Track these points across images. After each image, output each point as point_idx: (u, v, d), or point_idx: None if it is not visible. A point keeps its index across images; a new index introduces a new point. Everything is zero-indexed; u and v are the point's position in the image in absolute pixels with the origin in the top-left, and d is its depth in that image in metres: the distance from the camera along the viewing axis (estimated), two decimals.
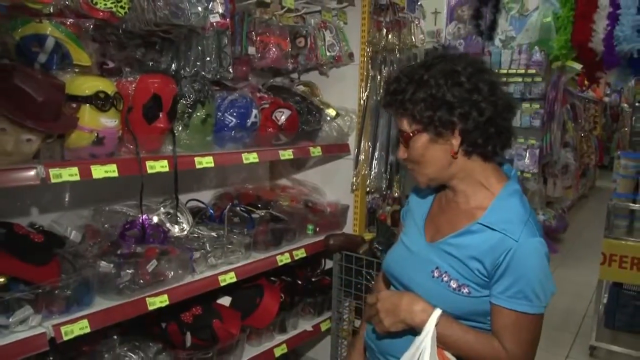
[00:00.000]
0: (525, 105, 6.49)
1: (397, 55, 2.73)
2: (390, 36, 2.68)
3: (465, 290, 1.39)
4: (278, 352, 2.44)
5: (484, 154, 1.40)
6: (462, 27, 6.51)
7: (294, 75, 2.93)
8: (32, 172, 1.51)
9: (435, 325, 1.35)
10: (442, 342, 1.37)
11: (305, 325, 2.66)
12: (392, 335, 1.46)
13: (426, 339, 1.34)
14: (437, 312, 1.36)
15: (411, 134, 1.41)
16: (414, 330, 1.39)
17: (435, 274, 1.42)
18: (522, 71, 6.35)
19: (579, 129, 9.22)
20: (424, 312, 1.37)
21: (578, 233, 7.86)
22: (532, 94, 6.39)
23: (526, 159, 6.43)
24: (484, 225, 1.38)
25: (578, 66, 6.42)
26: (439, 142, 1.38)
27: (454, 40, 6.92)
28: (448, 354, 1.40)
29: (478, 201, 1.43)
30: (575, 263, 6.45)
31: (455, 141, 1.37)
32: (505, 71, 6.50)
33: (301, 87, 2.79)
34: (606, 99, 12.01)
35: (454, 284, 1.39)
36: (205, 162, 2.01)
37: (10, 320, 1.49)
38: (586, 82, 8.36)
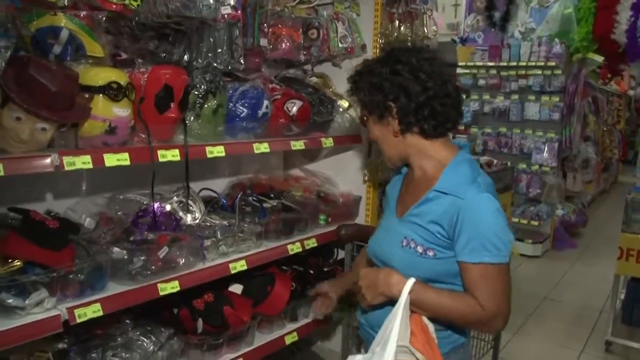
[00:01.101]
0: (545, 98, 6.42)
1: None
2: (402, 28, 2.69)
3: (431, 254, 1.55)
4: (289, 340, 2.47)
5: (422, 132, 1.59)
6: (480, 19, 6.45)
7: (307, 67, 2.95)
8: (48, 160, 1.55)
9: (409, 293, 1.48)
10: (420, 307, 1.51)
11: (317, 314, 2.68)
12: (375, 308, 1.63)
13: (399, 307, 1.46)
14: (411, 281, 1.49)
15: (364, 118, 1.69)
16: (393, 302, 1.52)
17: (404, 243, 1.59)
18: (542, 63, 6.28)
19: (601, 123, 9.09)
20: (399, 283, 1.51)
21: (598, 228, 7.77)
22: (552, 87, 6.31)
23: (545, 153, 6.37)
24: (438, 192, 1.56)
25: (599, 58, 6.35)
26: (383, 124, 1.62)
27: (473, 33, 6.88)
28: (425, 320, 1.53)
29: (432, 172, 1.61)
30: (593, 258, 6.39)
31: (394, 122, 1.59)
32: (524, 64, 6.44)
33: (314, 79, 2.81)
34: (631, 92, 11.77)
35: (420, 249, 1.56)
36: (217, 151, 2.04)
37: (27, 302, 1.54)
38: (609, 75, 8.25)
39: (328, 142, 2.60)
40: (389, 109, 1.58)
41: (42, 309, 1.58)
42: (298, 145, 2.43)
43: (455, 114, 1.62)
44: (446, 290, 1.55)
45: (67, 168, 1.57)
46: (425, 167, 1.63)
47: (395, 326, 1.43)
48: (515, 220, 6.47)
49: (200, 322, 2.13)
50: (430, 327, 1.54)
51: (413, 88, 1.54)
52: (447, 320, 1.57)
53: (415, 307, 1.51)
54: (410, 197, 1.66)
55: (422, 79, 1.54)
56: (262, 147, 2.24)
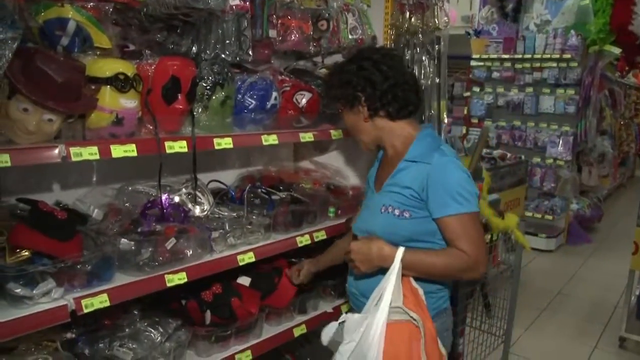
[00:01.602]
0: (560, 91, 6.35)
1: (420, 38, 2.71)
2: (413, 19, 2.66)
3: (407, 215, 1.81)
4: (297, 332, 2.47)
5: (388, 115, 1.90)
6: (495, 11, 6.39)
7: (318, 59, 2.93)
8: (55, 151, 1.56)
9: (401, 261, 1.70)
10: (412, 269, 1.75)
11: (326, 306, 2.68)
12: (367, 276, 1.87)
13: (392, 274, 1.68)
14: (401, 250, 1.73)
15: (340, 111, 2.00)
16: (383, 270, 1.76)
17: (382, 210, 1.86)
18: (557, 56, 6.21)
19: (618, 116, 8.97)
20: (392, 253, 1.74)
21: (613, 223, 7.69)
22: (567, 80, 6.24)
23: (559, 146, 6.30)
24: (408, 161, 1.85)
25: (616, 50, 6.25)
26: (354, 112, 1.93)
27: (487, 25, 6.80)
28: (414, 284, 1.76)
29: (401, 148, 1.91)
30: (608, 253, 6.32)
31: (363, 109, 1.90)
32: (539, 56, 6.36)
33: (324, 71, 2.79)
34: None
35: (397, 212, 1.82)
36: (224, 143, 2.04)
37: (34, 292, 1.55)
38: (626, 68, 8.12)
39: (337, 133, 2.59)
40: (358, 99, 1.89)
41: (50, 298, 1.59)
42: (307, 137, 2.42)
43: (415, 97, 1.94)
44: (431, 250, 1.81)
45: (74, 159, 1.57)
46: (396, 144, 1.94)
47: (389, 289, 1.65)
48: (529, 214, 6.42)
49: (208, 314, 2.14)
50: (420, 290, 1.76)
51: (376, 78, 1.86)
52: (439, 276, 1.83)
53: (407, 270, 1.74)
54: (385, 173, 1.95)
55: (383, 70, 1.86)
56: (271, 139, 2.23)
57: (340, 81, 1.92)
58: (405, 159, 1.86)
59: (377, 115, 1.91)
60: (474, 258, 1.74)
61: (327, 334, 1.81)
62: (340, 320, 1.77)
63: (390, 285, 1.65)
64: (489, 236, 2.85)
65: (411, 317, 1.65)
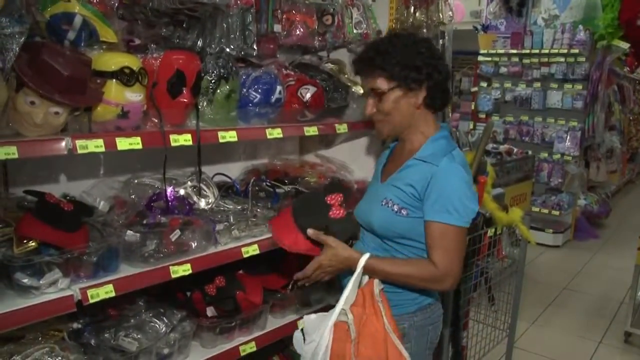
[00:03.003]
0: (568, 86, 6.33)
1: (425, 32, 2.72)
2: (417, 13, 2.66)
3: (404, 212, 1.80)
4: (301, 325, 2.48)
5: (433, 107, 1.89)
6: (500, 5, 6.36)
7: (323, 54, 2.95)
8: (61, 144, 1.58)
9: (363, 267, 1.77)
10: (377, 275, 1.79)
11: (331, 299, 2.69)
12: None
13: (352, 279, 1.77)
14: (364, 257, 1.78)
15: (386, 90, 1.84)
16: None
17: (383, 203, 1.85)
18: (565, 51, 6.18)
19: (627, 112, 8.92)
20: (356, 261, 1.78)
21: (621, 219, 7.66)
22: (575, 75, 6.21)
23: (567, 142, 6.28)
24: (417, 160, 1.83)
25: (625, 45, 6.22)
26: (408, 96, 1.84)
27: (495, 20, 6.78)
28: (375, 282, 1.77)
29: (417, 144, 1.89)
30: (615, 249, 6.31)
31: (422, 95, 1.83)
32: (547, 51, 6.34)
33: (329, 65, 2.80)
34: None
35: (395, 208, 1.82)
36: (229, 136, 2.05)
37: (41, 282, 1.58)
38: (635, 63, 8.07)
39: (342, 127, 2.60)
40: (422, 83, 1.82)
41: (56, 289, 1.62)
42: (312, 130, 2.43)
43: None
44: (399, 259, 1.84)
45: (80, 151, 1.60)
46: (413, 140, 1.91)
47: (345, 293, 1.73)
48: (536, 209, 6.41)
49: (212, 307, 2.16)
50: (376, 289, 1.77)
51: (442, 68, 1.84)
52: (405, 283, 1.82)
53: (373, 275, 1.79)
54: (394, 165, 1.94)
55: (436, 58, 1.84)
56: (275, 133, 2.24)
57: (403, 61, 1.80)
58: (415, 157, 1.84)
59: (428, 105, 1.87)
60: (442, 271, 1.73)
61: (297, 342, 1.86)
62: (300, 328, 1.87)
63: (347, 289, 1.74)
64: (493, 230, 2.86)
65: (347, 318, 1.71)
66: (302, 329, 1.84)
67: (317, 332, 1.76)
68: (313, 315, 1.82)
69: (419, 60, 1.80)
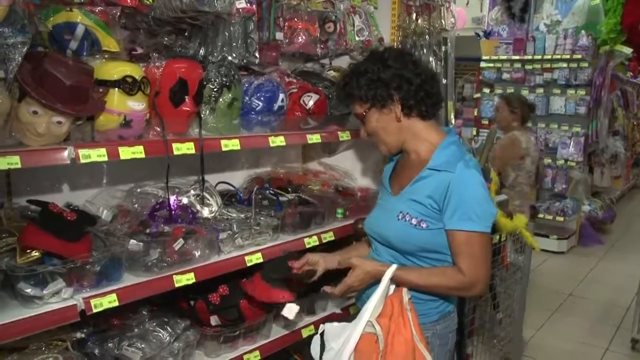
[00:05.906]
0: (570, 91, 6.32)
1: (427, 39, 2.72)
2: (419, 20, 2.67)
3: (424, 225, 1.77)
4: (306, 333, 2.47)
5: (420, 114, 1.85)
6: (502, 11, 6.37)
7: (325, 61, 2.95)
8: (64, 153, 1.58)
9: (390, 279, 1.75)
10: (405, 285, 1.77)
11: (334, 307, 2.69)
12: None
13: (378, 290, 1.73)
14: (392, 269, 1.76)
15: (364, 113, 1.87)
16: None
17: (400, 217, 1.82)
18: (567, 56, 6.18)
19: (630, 117, 8.90)
20: (382, 270, 1.77)
21: (626, 225, 7.62)
22: (578, 80, 6.21)
23: (570, 147, 6.27)
24: (431, 169, 1.80)
25: (628, 50, 6.20)
26: (385, 113, 1.84)
27: (497, 26, 6.79)
28: (404, 292, 1.76)
29: (425, 153, 1.85)
30: (620, 255, 6.27)
31: (397, 108, 1.82)
32: (549, 57, 6.33)
33: (332, 73, 2.80)
34: None
35: (414, 221, 1.79)
36: (232, 144, 2.05)
37: (44, 292, 1.58)
38: (638, 68, 8.06)
39: (345, 135, 2.60)
40: (392, 97, 1.81)
41: (59, 298, 1.61)
42: (314, 138, 2.43)
43: (441, 94, 1.92)
44: (425, 268, 1.81)
45: (82, 161, 1.60)
46: (419, 150, 1.87)
47: (372, 304, 1.69)
48: (540, 215, 6.38)
49: (216, 316, 2.15)
50: (405, 297, 1.75)
51: (409, 75, 1.80)
52: (434, 291, 1.82)
53: (401, 285, 1.78)
54: (405, 177, 1.89)
55: (410, 67, 1.82)
56: (278, 141, 2.24)
57: (368, 81, 1.82)
58: (429, 167, 1.80)
59: (410, 115, 1.84)
60: (470, 278, 1.73)
61: (314, 348, 1.84)
62: (320, 331, 1.83)
63: (373, 301, 1.71)
64: (497, 237, 2.84)
65: (375, 330, 1.68)
66: (321, 333, 1.81)
67: (336, 340, 1.74)
68: (335, 323, 1.80)
69: (385, 75, 1.80)
